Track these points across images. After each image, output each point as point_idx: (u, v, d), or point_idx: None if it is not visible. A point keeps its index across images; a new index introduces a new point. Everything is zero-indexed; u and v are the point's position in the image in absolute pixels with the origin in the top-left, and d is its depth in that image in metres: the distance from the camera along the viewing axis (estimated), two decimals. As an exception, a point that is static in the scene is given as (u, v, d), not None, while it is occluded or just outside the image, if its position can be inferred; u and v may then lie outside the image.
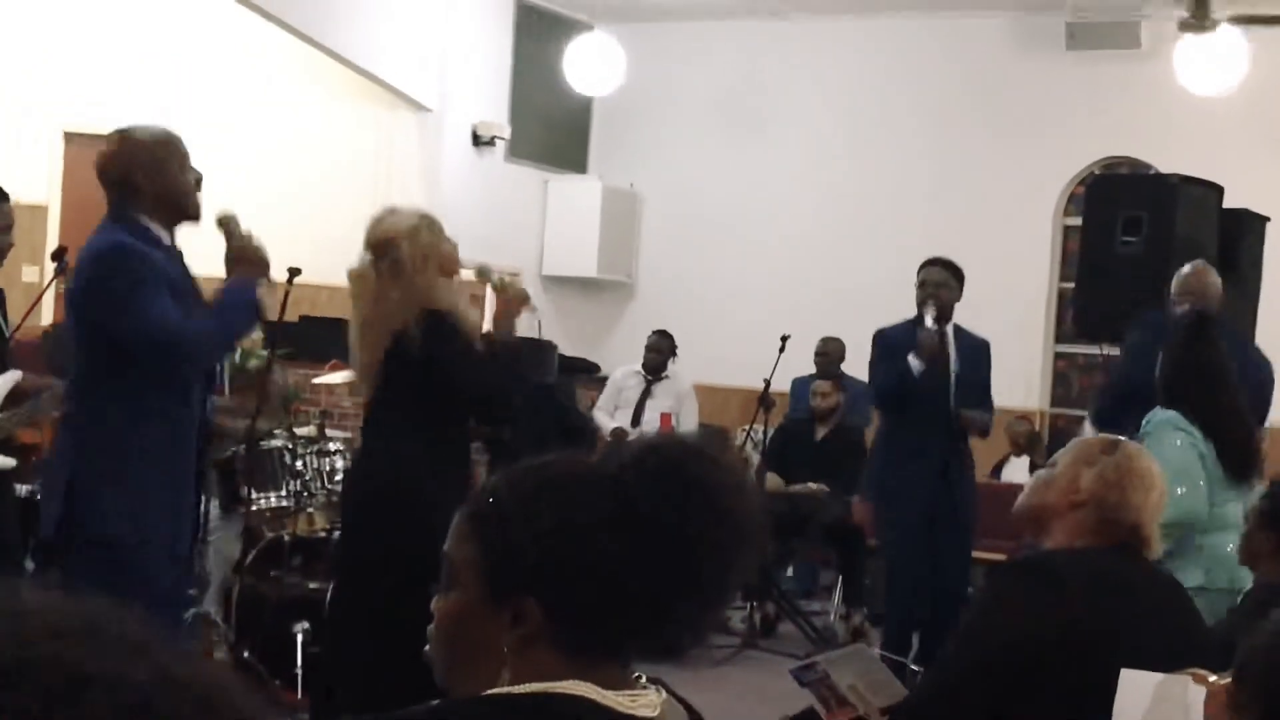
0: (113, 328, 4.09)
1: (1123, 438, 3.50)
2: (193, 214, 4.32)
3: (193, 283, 4.34)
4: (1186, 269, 6.52)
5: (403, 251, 4.69)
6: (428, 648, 1.76)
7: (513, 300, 5.01)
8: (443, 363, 4.65)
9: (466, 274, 5.17)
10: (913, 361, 7.16)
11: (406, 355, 4.66)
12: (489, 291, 12.72)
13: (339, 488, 7.08)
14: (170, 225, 4.27)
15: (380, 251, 4.74)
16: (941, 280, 7.30)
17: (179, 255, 4.33)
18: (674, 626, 1.73)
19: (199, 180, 4.32)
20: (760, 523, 1.76)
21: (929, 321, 7.20)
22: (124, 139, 4.28)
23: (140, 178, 4.19)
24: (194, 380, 4.31)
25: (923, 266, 7.45)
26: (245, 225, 4.43)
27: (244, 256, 4.37)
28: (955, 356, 7.33)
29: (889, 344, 7.37)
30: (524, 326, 5.31)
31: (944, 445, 7.29)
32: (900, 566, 7.38)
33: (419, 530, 4.59)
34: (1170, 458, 4.62)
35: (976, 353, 7.43)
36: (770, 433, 9.67)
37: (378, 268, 4.74)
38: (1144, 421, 5.07)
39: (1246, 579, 4.61)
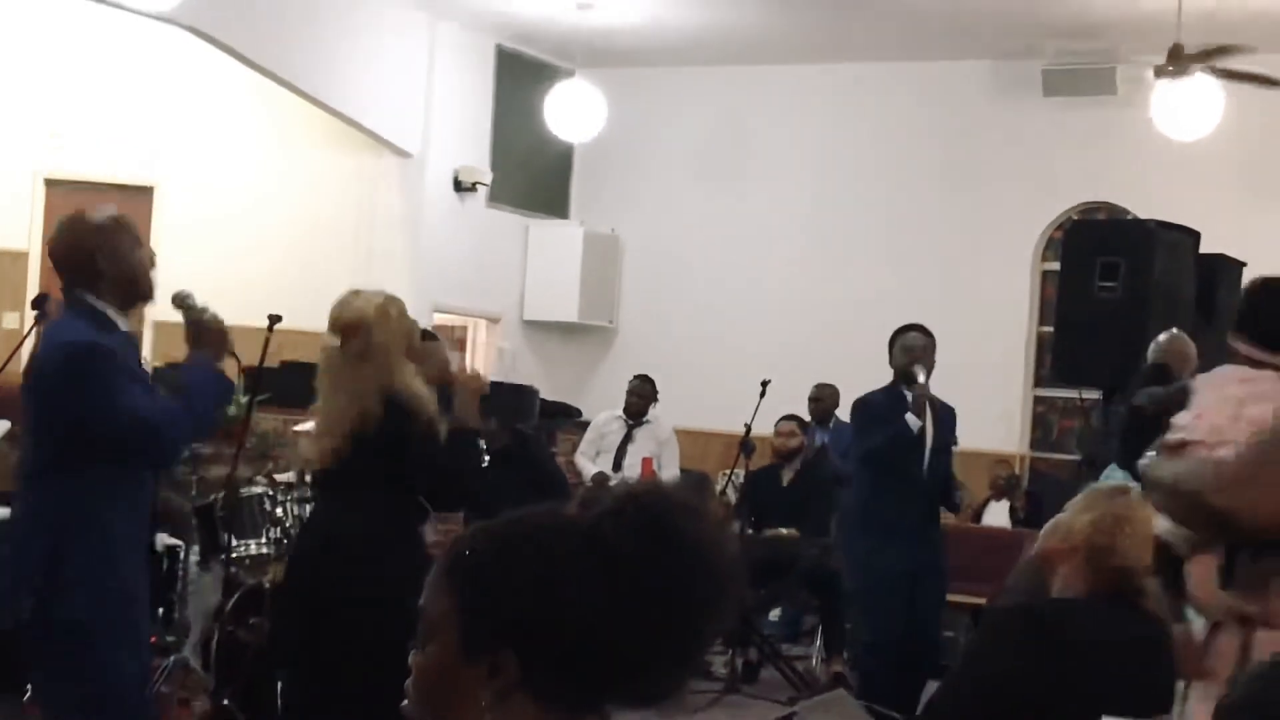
0: (90, 425, 4.06)
1: (1132, 484, 3.53)
2: (147, 294, 4.28)
3: (143, 367, 4.33)
4: (1163, 337, 6.57)
5: (372, 336, 4.73)
6: (405, 704, 1.76)
7: (472, 387, 5.04)
8: (404, 443, 4.69)
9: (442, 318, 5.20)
10: (911, 420, 7.19)
11: (368, 437, 4.68)
12: (469, 337, 12.71)
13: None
14: (126, 308, 4.25)
15: (349, 334, 4.75)
16: (924, 345, 7.35)
17: (134, 340, 4.32)
18: (652, 677, 1.74)
19: (152, 258, 4.29)
20: (739, 572, 1.77)
21: (921, 378, 7.25)
22: (77, 223, 4.25)
23: (99, 262, 4.16)
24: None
25: (901, 333, 7.49)
26: (201, 300, 4.38)
27: (204, 333, 4.33)
28: (932, 422, 7.38)
29: (872, 411, 7.39)
30: (499, 371, 5.31)
31: (921, 511, 7.36)
32: (880, 632, 7.37)
33: (382, 616, 4.58)
34: None
35: (949, 417, 7.50)
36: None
37: (345, 350, 4.75)
38: (1101, 478, 5.10)
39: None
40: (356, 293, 4.89)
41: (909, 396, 7.27)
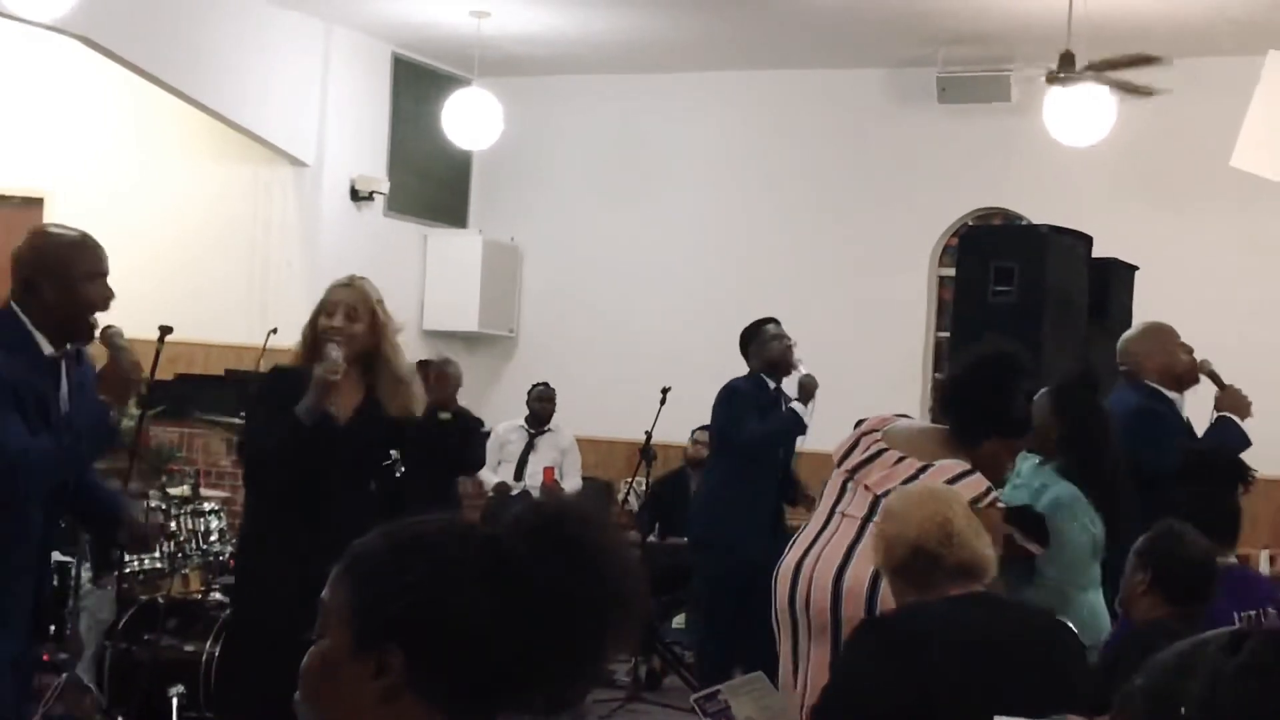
0: None
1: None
2: (80, 336, 4.19)
3: (59, 393, 4.18)
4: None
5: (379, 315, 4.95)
6: (297, 696, 1.75)
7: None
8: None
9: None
10: (798, 407, 7.43)
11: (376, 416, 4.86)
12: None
13: (214, 548, 6.99)
14: (57, 341, 4.13)
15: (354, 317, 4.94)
16: (786, 334, 7.72)
17: (59, 364, 4.16)
18: (544, 686, 1.72)
19: (108, 299, 4.19)
20: (640, 585, 1.77)
21: (802, 368, 7.61)
22: (41, 236, 4.20)
23: (43, 281, 4.08)
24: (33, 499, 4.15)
25: (760, 325, 7.79)
26: (127, 342, 4.33)
27: (116, 376, 4.26)
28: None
29: (747, 398, 7.65)
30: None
31: (776, 499, 7.55)
32: (719, 617, 7.46)
33: None
34: (1075, 543, 4.87)
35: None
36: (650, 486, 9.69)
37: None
38: (1038, 483, 5.12)
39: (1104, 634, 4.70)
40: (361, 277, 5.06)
41: (778, 385, 7.65)
